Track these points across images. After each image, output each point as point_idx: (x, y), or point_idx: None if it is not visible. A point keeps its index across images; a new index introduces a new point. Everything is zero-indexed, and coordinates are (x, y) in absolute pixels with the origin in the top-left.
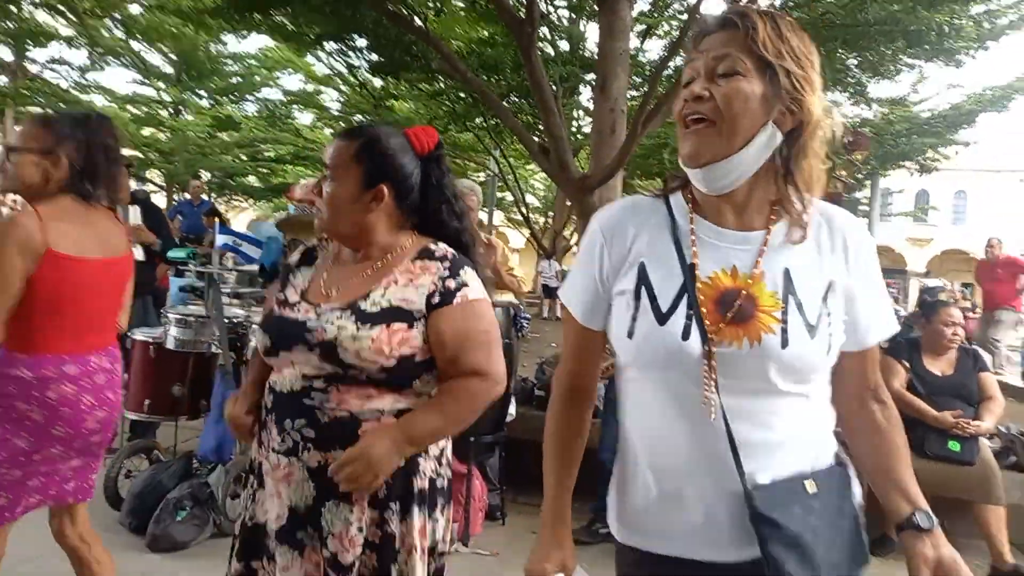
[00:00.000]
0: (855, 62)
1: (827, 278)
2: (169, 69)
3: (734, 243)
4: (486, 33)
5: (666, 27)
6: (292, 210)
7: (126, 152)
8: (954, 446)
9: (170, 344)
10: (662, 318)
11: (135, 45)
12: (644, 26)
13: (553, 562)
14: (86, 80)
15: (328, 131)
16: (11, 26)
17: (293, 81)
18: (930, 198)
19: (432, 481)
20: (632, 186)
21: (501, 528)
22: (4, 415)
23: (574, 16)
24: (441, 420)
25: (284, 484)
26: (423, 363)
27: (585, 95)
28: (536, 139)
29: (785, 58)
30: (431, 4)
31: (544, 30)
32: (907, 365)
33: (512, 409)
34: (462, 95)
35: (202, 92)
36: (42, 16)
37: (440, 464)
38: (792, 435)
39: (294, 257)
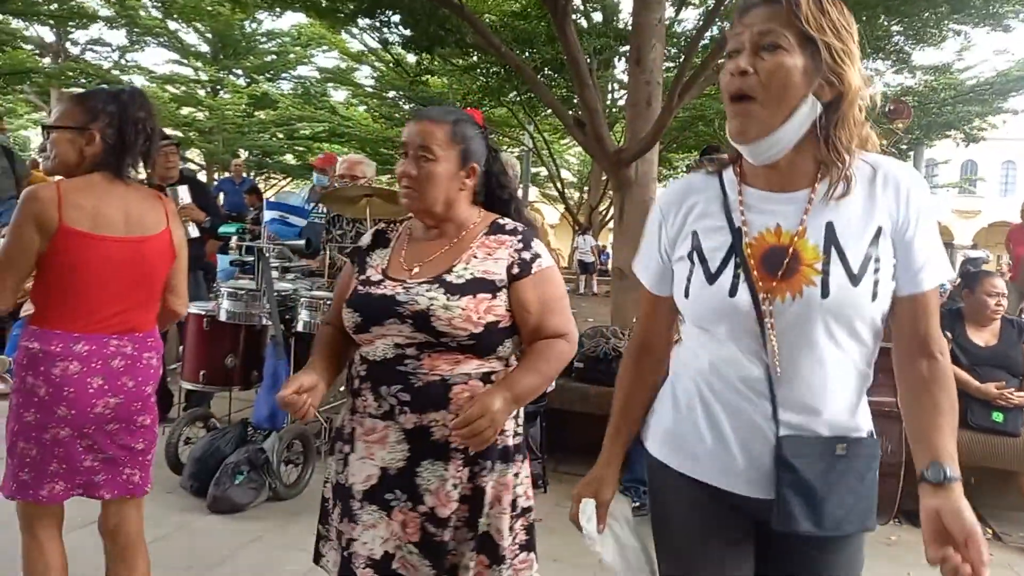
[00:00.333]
0: (898, 29)
1: (876, 224)
2: (205, 48)
3: (779, 204)
4: (519, 6)
5: None
6: (317, 181)
7: (169, 131)
8: (998, 417)
9: (222, 317)
10: (711, 277)
11: (172, 25)
12: None
13: (589, 491)
14: (126, 60)
15: (363, 108)
16: (53, 8)
17: (327, 60)
18: (977, 169)
19: (511, 439)
20: (669, 159)
21: (543, 496)
22: (18, 386)
23: None
24: (538, 378)
25: (378, 446)
26: (505, 329)
27: (620, 67)
28: (571, 113)
29: (827, 32)
30: None
31: (577, 2)
32: (950, 336)
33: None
34: (496, 69)
35: (238, 71)
36: None
37: (517, 423)
38: (832, 394)
39: (365, 239)
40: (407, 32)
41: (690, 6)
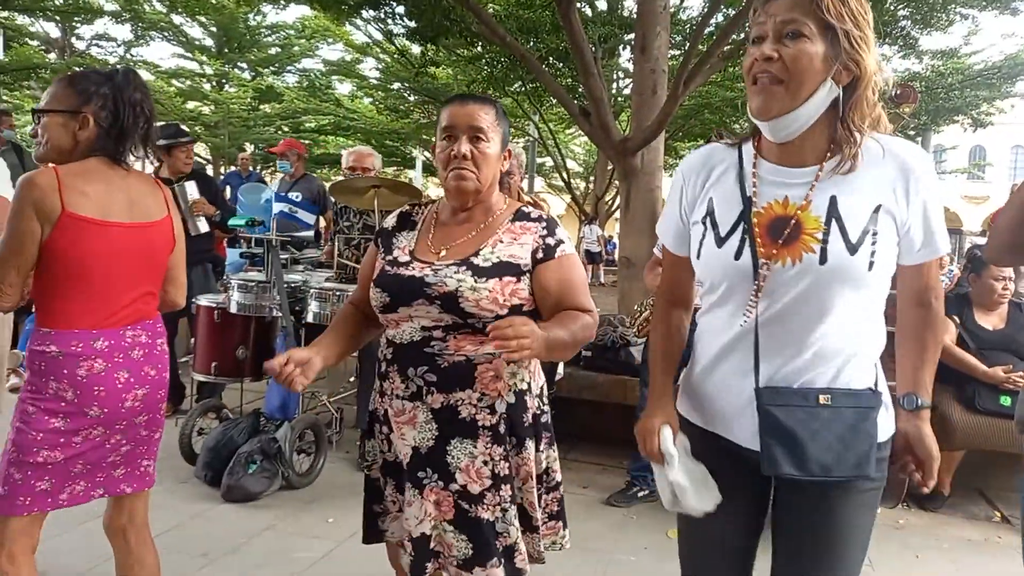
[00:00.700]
0: (904, 13)
1: (876, 201)
2: (210, 42)
3: (789, 179)
4: None
5: None
6: (281, 168)
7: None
8: (1005, 401)
9: (233, 308)
10: (720, 241)
11: (176, 19)
12: None
13: (660, 419)
14: (131, 55)
15: (368, 100)
16: (59, 3)
17: (332, 52)
18: (986, 154)
19: (536, 416)
20: (675, 148)
21: None
22: (38, 394)
23: None
24: (568, 336)
25: (408, 427)
26: (529, 312)
27: (625, 56)
28: (576, 102)
29: (846, 20)
30: None
31: None
32: (957, 320)
33: (560, 368)
34: (501, 59)
35: (243, 64)
36: None
37: (543, 401)
38: (820, 352)
39: (390, 221)
40: (411, 23)
41: None
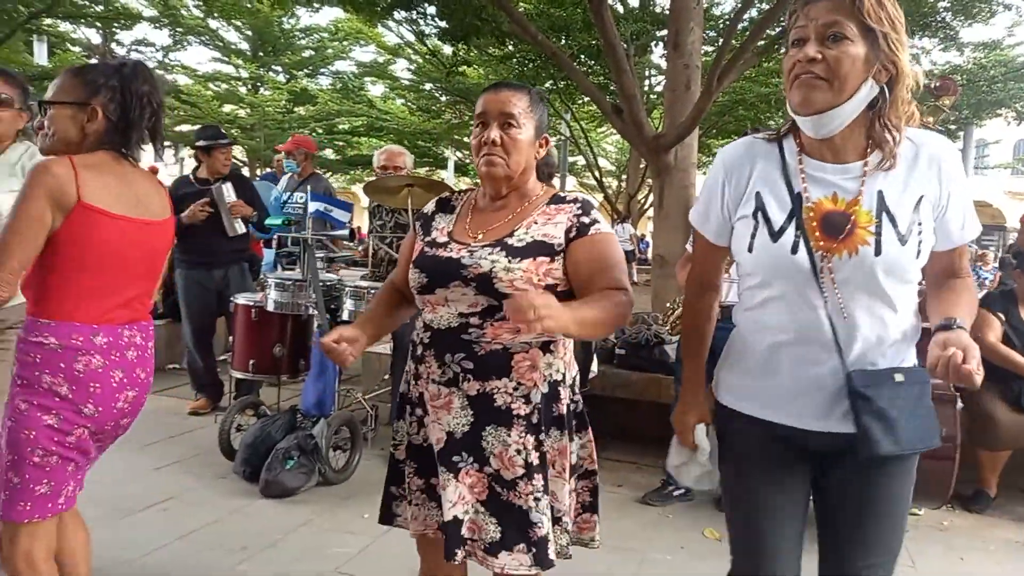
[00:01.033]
0: (945, 5)
1: (918, 194)
2: (246, 46)
3: (834, 175)
4: None
5: None
6: (287, 167)
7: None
8: None
9: (270, 307)
10: (775, 236)
11: (213, 24)
12: None
13: (693, 415)
14: (169, 60)
15: (400, 101)
16: (99, 10)
17: (364, 54)
18: None
19: (569, 407)
20: (708, 145)
21: None
22: (30, 388)
23: None
24: (601, 313)
25: (444, 411)
26: (564, 293)
27: (657, 52)
28: (608, 99)
29: (884, 24)
30: None
31: None
32: (1002, 317)
33: (594, 366)
34: (532, 58)
35: (278, 67)
36: None
37: (574, 392)
38: (885, 334)
39: (429, 206)
40: (443, 23)
41: None
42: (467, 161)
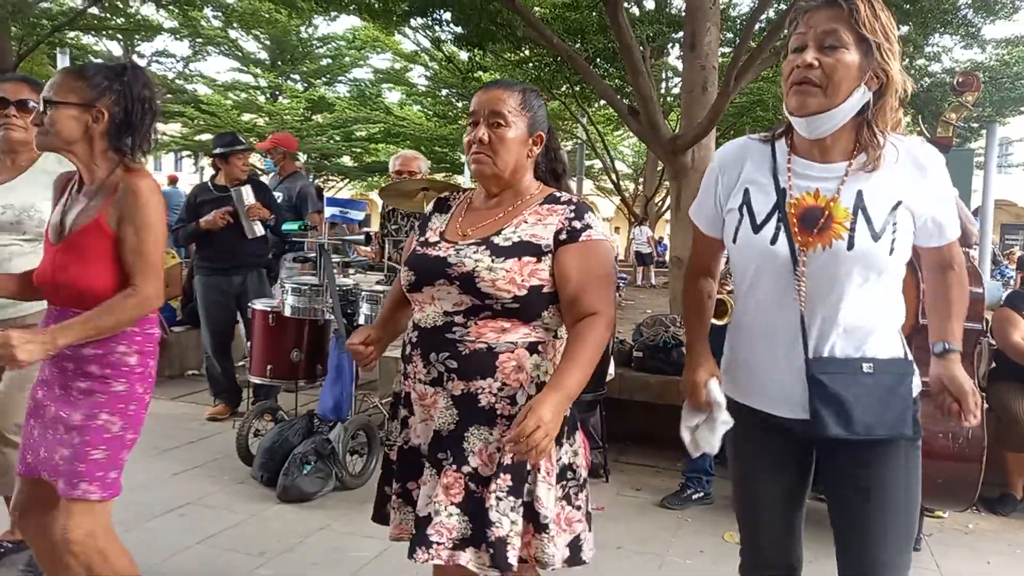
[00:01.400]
0: (967, 1)
1: (897, 196)
2: (264, 55)
3: (820, 173)
4: None
5: None
6: (266, 166)
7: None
8: None
9: (287, 312)
10: (756, 228)
11: (232, 34)
12: None
13: (704, 371)
14: (189, 70)
15: (417, 108)
16: (120, 22)
17: (381, 61)
18: None
19: None
20: None
21: (605, 485)
22: (146, 377)
23: None
24: (584, 370)
25: (432, 410)
26: (550, 295)
27: (674, 55)
28: (625, 102)
29: (878, 34)
30: None
31: None
32: None
33: (611, 369)
34: (548, 62)
35: (296, 76)
36: (147, 10)
37: None
38: (856, 324)
39: (429, 207)
40: (458, 29)
41: None
42: None
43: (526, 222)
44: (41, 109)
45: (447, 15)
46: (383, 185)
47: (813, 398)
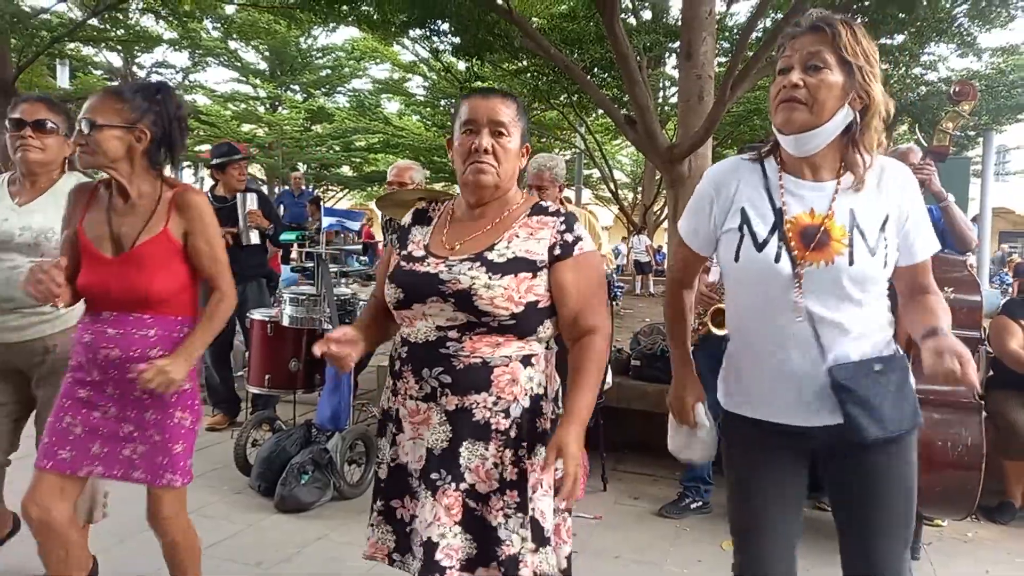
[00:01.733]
0: (962, 9)
1: (884, 213)
2: (264, 66)
3: (811, 191)
4: (567, 7)
5: None
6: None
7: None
8: None
9: (285, 322)
10: (759, 247)
11: (232, 44)
12: None
13: (691, 395)
14: (189, 81)
15: (415, 118)
16: (120, 33)
17: (380, 71)
18: None
19: (553, 422)
20: (724, 156)
21: (603, 494)
22: (197, 372)
23: None
24: (592, 392)
25: (424, 427)
26: (545, 310)
27: (671, 64)
28: (622, 112)
29: (859, 57)
30: None
31: (627, 1)
32: None
33: (608, 378)
34: (545, 72)
35: (295, 87)
36: (147, 22)
37: (556, 407)
38: (860, 331)
39: (406, 219)
40: (456, 40)
41: None
42: None
43: (518, 236)
44: (85, 131)
45: (445, 26)
46: (379, 195)
47: (845, 404)
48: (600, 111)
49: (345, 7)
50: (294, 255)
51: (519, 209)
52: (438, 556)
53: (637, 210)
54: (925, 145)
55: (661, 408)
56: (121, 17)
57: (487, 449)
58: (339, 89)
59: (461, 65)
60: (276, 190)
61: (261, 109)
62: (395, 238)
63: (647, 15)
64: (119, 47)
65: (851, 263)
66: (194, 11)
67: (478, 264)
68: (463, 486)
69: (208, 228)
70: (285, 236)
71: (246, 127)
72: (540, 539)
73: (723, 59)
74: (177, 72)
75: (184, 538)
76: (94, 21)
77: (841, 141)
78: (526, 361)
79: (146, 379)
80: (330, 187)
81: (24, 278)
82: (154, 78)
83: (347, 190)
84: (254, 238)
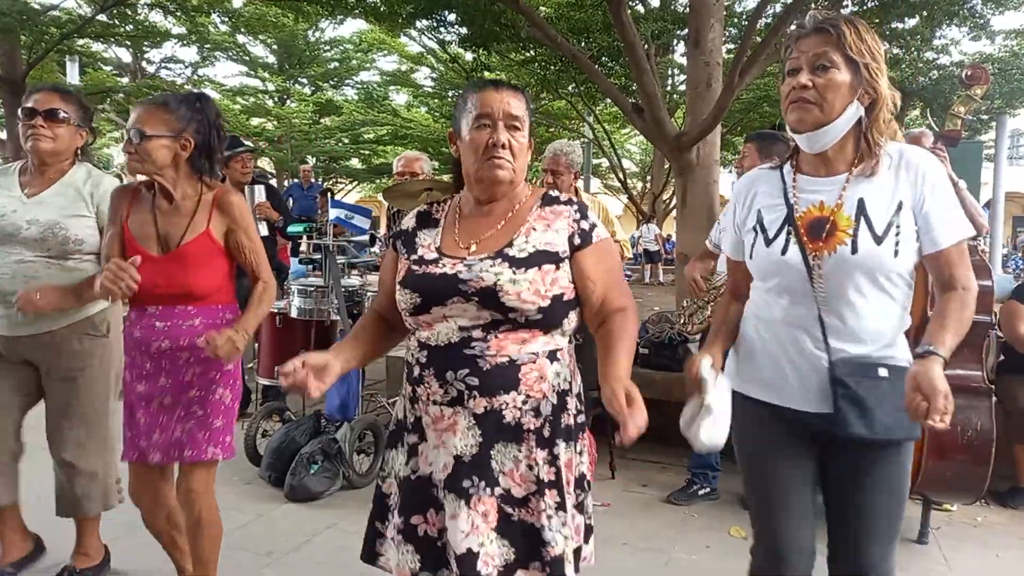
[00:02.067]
0: None
1: (898, 199)
2: (272, 59)
3: (823, 186)
4: None
5: None
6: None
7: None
8: None
9: (293, 313)
10: (768, 242)
11: (240, 39)
12: None
13: (705, 353)
14: (198, 76)
15: (423, 109)
16: (129, 29)
17: (387, 63)
18: None
19: (575, 417)
20: (732, 143)
21: (611, 481)
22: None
23: None
24: (629, 355)
25: (449, 434)
26: (570, 302)
27: (679, 52)
28: (630, 100)
29: (865, 55)
30: None
31: None
32: None
33: None
34: (553, 61)
35: (303, 80)
36: (156, 17)
37: (579, 402)
38: (871, 329)
39: (408, 222)
40: (463, 30)
41: None
42: None
43: (535, 229)
44: (136, 141)
45: (452, 16)
46: (387, 186)
47: (837, 397)
48: (608, 100)
49: None
50: (303, 248)
51: (529, 202)
52: (479, 566)
53: (646, 199)
54: (937, 130)
55: (669, 396)
56: (129, 13)
57: (519, 451)
58: (347, 81)
59: (468, 55)
60: (285, 183)
61: (270, 103)
62: (400, 244)
63: (655, 2)
64: (128, 43)
65: (854, 251)
66: (202, 5)
67: (500, 261)
68: (498, 491)
69: (248, 225)
70: (293, 228)
71: (255, 121)
72: (583, 535)
73: (731, 46)
74: (186, 67)
75: (209, 514)
76: (103, 17)
77: (854, 134)
78: (552, 356)
79: (217, 345)
80: (339, 180)
81: (101, 276)
82: (163, 73)
83: (356, 182)
84: (263, 230)
